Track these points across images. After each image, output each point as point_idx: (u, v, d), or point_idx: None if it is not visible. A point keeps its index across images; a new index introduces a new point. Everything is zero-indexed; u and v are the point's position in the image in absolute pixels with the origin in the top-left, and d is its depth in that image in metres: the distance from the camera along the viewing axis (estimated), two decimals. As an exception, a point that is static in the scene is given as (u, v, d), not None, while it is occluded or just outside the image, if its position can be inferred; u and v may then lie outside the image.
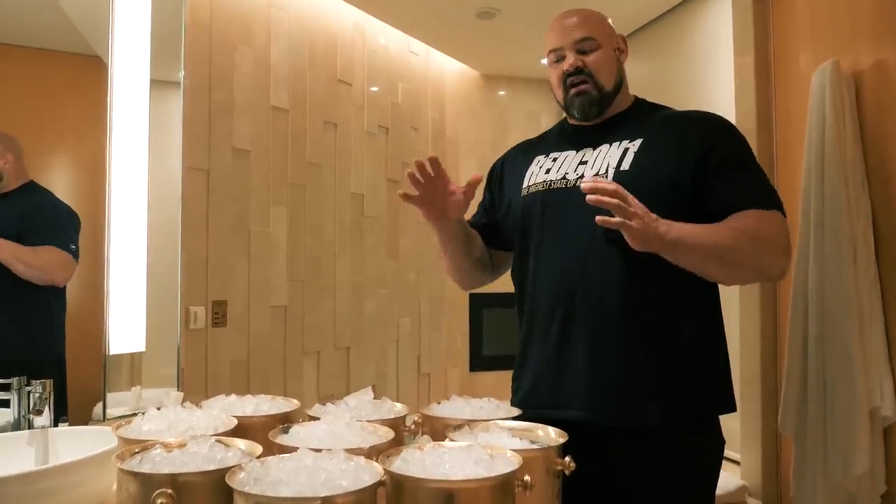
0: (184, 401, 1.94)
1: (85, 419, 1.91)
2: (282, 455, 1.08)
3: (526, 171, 1.56)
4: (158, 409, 1.49)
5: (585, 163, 1.46)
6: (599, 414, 1.40)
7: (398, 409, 1.53)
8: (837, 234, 1.57)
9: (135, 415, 1.96)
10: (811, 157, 1.65)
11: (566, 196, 1.46)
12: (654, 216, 1.25)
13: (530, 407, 1.48)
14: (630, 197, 1.22)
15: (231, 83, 2.39)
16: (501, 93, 3.83)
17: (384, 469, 1.03)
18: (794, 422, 1.63)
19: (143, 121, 2.05)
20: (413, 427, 1.48)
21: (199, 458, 1.09)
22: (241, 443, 1.20)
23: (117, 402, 1.96)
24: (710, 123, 1.41)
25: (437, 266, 3.54)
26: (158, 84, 2.10)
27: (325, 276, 2.82)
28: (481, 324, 3.73)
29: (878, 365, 1.51)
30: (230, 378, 2.36)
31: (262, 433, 1.40)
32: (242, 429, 1.36)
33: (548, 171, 1.51)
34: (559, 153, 1.52)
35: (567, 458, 1.21)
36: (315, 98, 2.77)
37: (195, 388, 2.23)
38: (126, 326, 1.98)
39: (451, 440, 1.25)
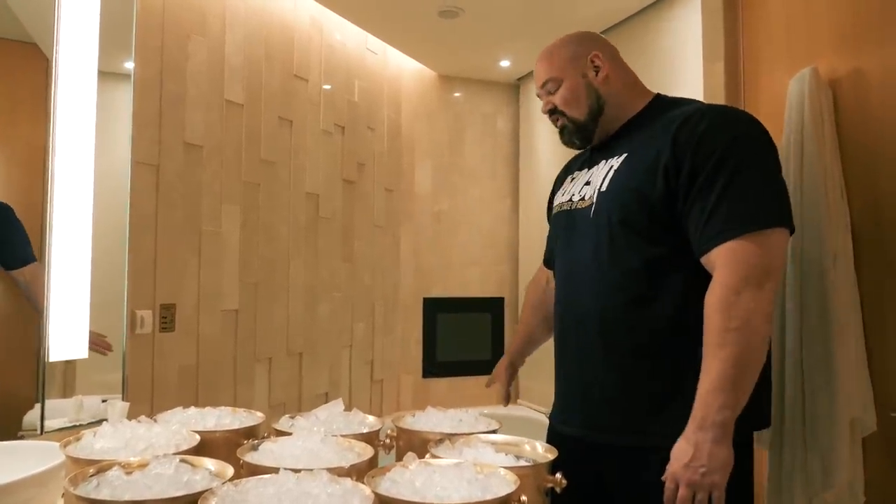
0: (129, 411, 1.81)
1: (13, 431, 1.75)
2: (260, 477, 0.99)
3: (559, 191, 1.63)
4: (105, 420, 1.37)
5: (589, 183, 1.48)
6: (594, 432, 1.42)
7: (370, 421, 1.45)
8: (816, 244, 1.56)
9: (75, 427, 1.82)
10: (788, 166, 1.65)
11: (573, 217, 1.50)
12: (698, 472, 1.16)
13: (557, 426, 1.54)
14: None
15: (184, 74, 2.26)
16: (457, 94, 3.78)
17: (373, 492, 0.96)
18: (769, 436, 1.62)
19: (89, 112, 1.90)
20: (388, 441, 1.40)
21: (163, 482, 0.99)
22: (208, 462, 1.10)
23: (52, 412, 1.81)
24: (691, 126, 1.32)
25: (392, 268, 3.47)
26: (107, 74, 1.96)
27: (278, 279, 2.70)
28: (435, 329, 3.67)
29: (858, 375, 1.51)
30: (178, 385, 2.22)
31: (227, 449, 1.30)
32: (205, 445, 1.26)
33: (565, 192, 1.57)
34: (578, 172, 1.56)
35: (558, 476, 1.16)
36: (270, 93, 2.65)
37: (140, 396, 2.09)
38: (67, 332, 1.84)
39: (435, 456, 1.18)
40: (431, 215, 3.68)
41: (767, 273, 1.22)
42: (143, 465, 1.05)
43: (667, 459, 1.22)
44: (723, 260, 1.23)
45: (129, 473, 1.01)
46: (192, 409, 1.44)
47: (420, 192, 3.65)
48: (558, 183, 1.69)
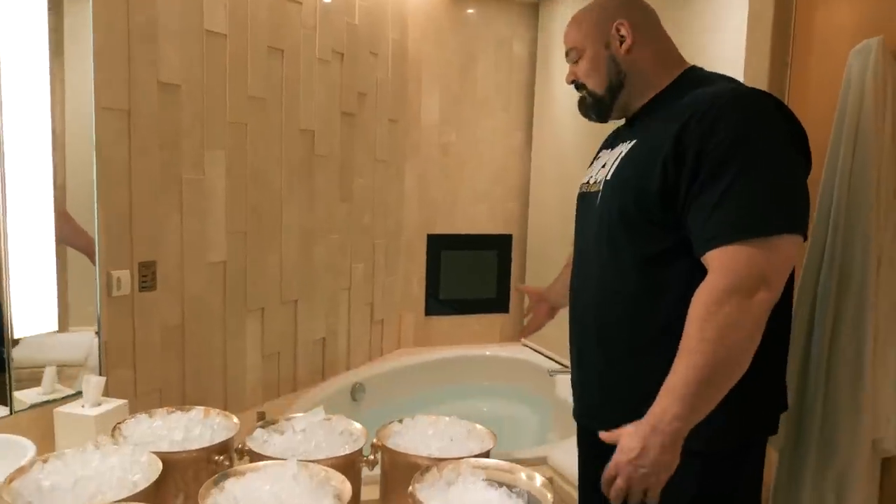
0: (111, 376, 1.70)
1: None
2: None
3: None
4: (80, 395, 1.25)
5: (605, 166, 1.39)
6: (589, 420, 1.44)
7: (354, 431, 1.32)
8: (860, 245, 1.38)
9: (48, 402, 1.71)
10: (839, 150, 1.43)
11: (585, 202, 1.44)
12: (638, 471, 1.10)
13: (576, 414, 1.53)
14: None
15: (154, 3, 2.00)
16: (470, 11, 3.45)
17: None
18: (782, 441, 1.49)
19: (41, 51, 1.68)
20: (371, 458, 1.28)
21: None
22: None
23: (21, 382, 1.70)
24: (697, 117, 1.17)
25: (395, 204, 3.29)
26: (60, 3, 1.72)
27: (269, 225, 2.53)
28: (439, 266, 3.52)
29: (888, 393, 1.37)
30: (161, 346, 2.11)
31: (195, 470, 1.19)
32: (170, 469, 1.14)
33: (588, 173, 1.48)
34: (603, 151, 1.49)
35: (555, 525, 1.04)
36: (258, 20, 2.38)
37: (121, 360, 1.98)
38: (32, 304, 1.69)
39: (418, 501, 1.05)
40: (438, 147, 3.45)
41: (763, 281, 1.11)
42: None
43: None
44: (716, 264, 1.14)
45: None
46: (159, 419, 1.31)
47: (426, 123, 3.40)
48: (595, 159, 1.58)
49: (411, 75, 3.31)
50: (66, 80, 1.78)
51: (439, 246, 3.51)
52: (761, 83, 1.85)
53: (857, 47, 1.47)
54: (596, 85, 1.38)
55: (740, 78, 1.91)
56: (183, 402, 2.19)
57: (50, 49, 1.69)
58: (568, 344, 1.50)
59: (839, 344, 1.41)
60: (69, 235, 1.81)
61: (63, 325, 1.79)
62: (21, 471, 1.08)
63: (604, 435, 1.18)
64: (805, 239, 1.18)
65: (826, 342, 1.43)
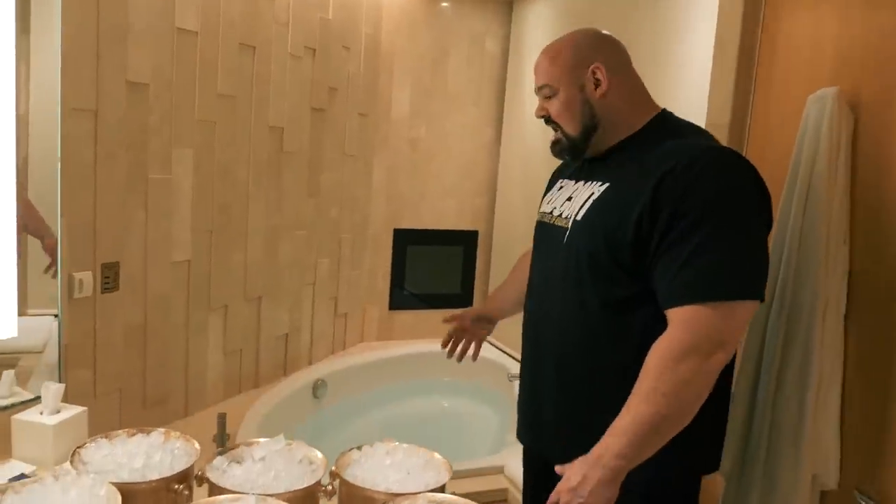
0: (70, 378, 1.70)
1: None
2: None
3: (549, 190, 1.57)
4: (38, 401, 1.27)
5: (570, 199, 1.42)
6: (544, 450, 1.48)
7: (314, 459, 1.35)
8: (809, 291, 1.45)
9: (5, 409, 1.71)
10: (792, 198, 1.49)
11: (548, 232, 1.46)
12: (575, 500, 1.14)
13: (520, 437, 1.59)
14: None
15: (125, 1, 1.96)
16: (444, 5, 3.44)
17: None
18: (729, 470, 1.58)
19: (6, 51, 1.64)
20: (329, 488, 1.31)
21: None
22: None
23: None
24: (677, 173, 1.20)
25: (363, 199, 3.29)
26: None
27: (235, 223, 2.52)
28: (405, 261, 3.54)
29: (828, 432, 1.45)
30: (123, 346, 2.11)
31: (154, 499, 1.21)
32: (128, 499, 1.16)
33: (549, 201, 1.51)
34: (566, 182, 1.50)
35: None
36: (230, 17, 2.35)
37: (81, 361, 1.97)
38: (-8, 310, 1.68)
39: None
40: (408, 142, 3.45)
41: (720, 344, 1.16)
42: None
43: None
44: (678, 321, 1.18)
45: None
46: (118, 442, 1.33)
47: (397, 117, 3.40)
48: (551, 183, 1.61)
49: (383, 69, 3.29)
50: (31, 77, 1.75)
51: (405, 241, 3.53)
52: (725, 114, 1.91)
53: (814, 95, 1.52)
54: (570, 128, 1.38)
55: (705, 107, 1.96)
56: (143, 402, 2.20)
57: (16, 40, 1.65)
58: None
59: (785, 387, 1.48)
60: (32, 223, 1.80)
61: (22, 309, 1.77)
62: (-19, 503, 1.09)
63: (558, 468, 1.22)
64: (762, 301, 1.23)
65: (773, 385, 1.50)
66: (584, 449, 1.28)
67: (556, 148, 1.44)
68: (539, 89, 1.42)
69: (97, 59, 1.90)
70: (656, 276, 1.22)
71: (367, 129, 3.26)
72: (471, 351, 1.81)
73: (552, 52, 1.41)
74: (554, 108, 1.39)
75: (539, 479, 1.56)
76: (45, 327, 1.89)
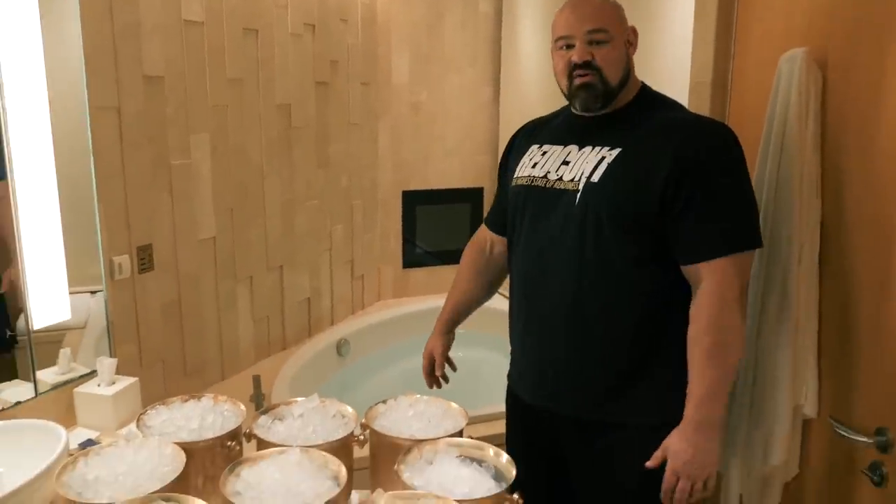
0: (118, 352, 1.89)
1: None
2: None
3: (521, 159, 1.60)
4: (95, 374, 1.44)
5: (567, 163, 1.48)
6: (551, 402, 1.54)
7: (346, 413, 1.54)
8: (785, 240, 1.57)
9: (67, 383, 1.91)
10: (768, 151, 1.61)
11: (545, 196, 1.50)
12: (694, 467, 1.32)
13: (517, 392, 1.66)
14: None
15: (136, 0, 2.08)
16: (437, -33, 3.50)
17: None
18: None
19: (36, 58, 1.78)
20: (361, 438, 1.50)
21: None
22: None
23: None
24: (693, 143, 1.36)
25: (370, 165, 3.43)
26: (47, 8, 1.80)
27: (253, 200, 2.68)
28: (415, 221, 3.70)
29: (807, 367, 1.60)
30: (162, 320, 2.30)
31: (211, 455, 1.41)
32: (191, 456, 1.35)
33: (535, 165, 1.55)
34: (551, 147, 1.55)
35: (516, 496, 1.28)
36: (232, 4, 2.46)
37: (126, 337, 2.17)
38: (47, 297, 1.87)
39: (405, 483, 1.27)
40: (410, 106, 3.57)
41: (743, 290, 1.37)
42: (132, 511, 1.14)
43: (628, 435, 1.43)
44: (710, 277, 1.34)
45: (120, 523, 1.11)
46: (175, 407, 1.51)
47: (397, 83, 3.50)
48: (519, 147, 1.66)
49: (381, 38, 3.39)
50: (46, 76, 1.87)
51: (414, 201, 3.68)
52: (707, 72, 2.02)
53: (786, 55, 1.62)
54: (613, 76, 1.42)
55: (688, 65, 2.07)
56: (184, 370, 2.40)
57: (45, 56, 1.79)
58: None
59: (767, 328, 1.61)
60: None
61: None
62: (67, 466, 1.28)
63: (651, 463, 1.37)
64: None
65: (755, 327, 1.63)
66: (596, 400, 1.46)
67: (590, 92, 1.43)
68: (590, 32, 1.41)
69: (115, 57, 2.03)
70: (678, 234, 1.36)
71: (370, 97, 3.37)
72: (448, 371, 1.85)
73: (601, 2, 1.44)
74: (603, 53, 1.41)
75: (517, 422, 1.70)
76: (84, 305, 2.07)
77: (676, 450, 1.33)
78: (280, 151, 2.79)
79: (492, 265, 1.80)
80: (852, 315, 1.51)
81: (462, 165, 3.76)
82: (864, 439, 1.36)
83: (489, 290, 1.83)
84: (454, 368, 1.87)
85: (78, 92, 1.93)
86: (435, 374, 1.83)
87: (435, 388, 1.84)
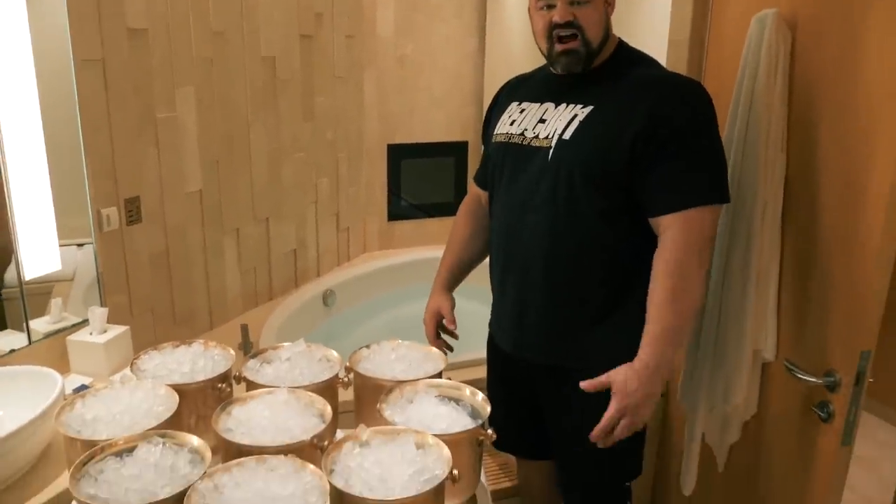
0: (109, 302, 1.95)
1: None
2: (232, 472, 1.16)
3: (501, 116, 1.64)
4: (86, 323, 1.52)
5: (544, 121, 1.53)
6: (527, 351, 1.63)
7: (331, 357, 1.62)
8: (750, 194, 1.64)
9: (59, 331, 1.97)
10: (737, 108, 1.67)
11: (522, 153, 1.55)
12: (628, 392, 1.36)
13: (498, 342, 1.73)
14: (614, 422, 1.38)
15: (116, -49, 2.07)
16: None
17: (330, 483, 1.14)
18: (687, 344, 1.83)
19: (20, 12, 1.80)
20: (346, 380, 1.58)
21: (151, 472, 1.15)
22: (190, 440, 1.26)
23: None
24: (666, 100, 1.41)
25: (355, 118, 3.46)
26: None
27: (239, 152, 2.71)
28: (400, 174, 3.74)
29: (767, 315, 1.68)
30: (151, 271, 2.35)
31: (203, 396, 1.48)
32: (184, 397, 1.42)
33: (513, 122, 1.60)
34: (529, 104, 1.59)
35: (490, 430, 1.36)
36: (215, -46, 2.45)
37: (116, 288, 2.22)
38: (37, 249, 1.91)
39: (387, 421, 1.36)
40: (395, 59, 3.57)
41: (709, 243, 1.42)
42: (130, 445, 1.22)
43: (582, 377, 1.44)
44: (677, 226, 1.39)
45: (118, 456, 1.19)
46: (166, 352, 1.58)
47: (382, 35, 3.50)
48: (501, 104, 1.70)
49: (366, -11, 3.38)
50: (30, 29, 1.88)
51: (399, 155, 3.71)
52: (684, 30, 2.05)
53: (757, 15, 1.66)
54: (594, 36, 1.44)
55: (666, 23, 2.11)
56: (173, 320, 2.47)
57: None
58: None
59: (731, 277, 1.68)
60: None
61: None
62: (65, 407, 1.35)
63: (587, 384, 1.40)
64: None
65: (720, 276, 1.71)
66: (565, 346, 1.54)
67: (572, 57, 1.46)
68: None
69: (98, 10, 2.03)
70: (646, 186, 1.41)
71: (355, 50, 3.38)
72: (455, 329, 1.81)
73: None
74: (585, 13, 1.42)
75: (497, 371, 1.80)
76: (72, 257, 2.12)
77: (628, 390, 1.36)
78: (265, 101, 2.81)
79: (487, 222, 1.83)
80: (810, 268, 1.59)
81: (447, 118, 3.78)
82: (815, 380, 1.46)
83: (487, 249, 1.86)
84: (456, 336, 1.82)
85: (62, 45, 1.94)
86: (447, 329, 1.79)
87: (446, 351, 1.77)
